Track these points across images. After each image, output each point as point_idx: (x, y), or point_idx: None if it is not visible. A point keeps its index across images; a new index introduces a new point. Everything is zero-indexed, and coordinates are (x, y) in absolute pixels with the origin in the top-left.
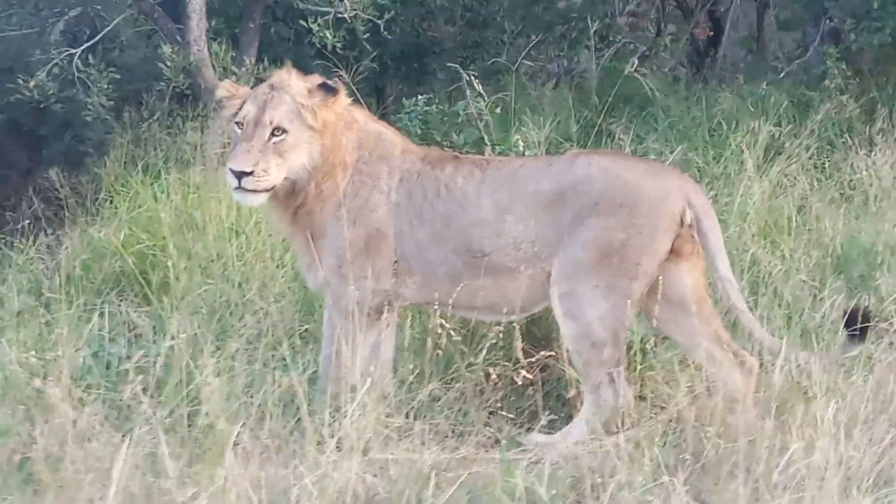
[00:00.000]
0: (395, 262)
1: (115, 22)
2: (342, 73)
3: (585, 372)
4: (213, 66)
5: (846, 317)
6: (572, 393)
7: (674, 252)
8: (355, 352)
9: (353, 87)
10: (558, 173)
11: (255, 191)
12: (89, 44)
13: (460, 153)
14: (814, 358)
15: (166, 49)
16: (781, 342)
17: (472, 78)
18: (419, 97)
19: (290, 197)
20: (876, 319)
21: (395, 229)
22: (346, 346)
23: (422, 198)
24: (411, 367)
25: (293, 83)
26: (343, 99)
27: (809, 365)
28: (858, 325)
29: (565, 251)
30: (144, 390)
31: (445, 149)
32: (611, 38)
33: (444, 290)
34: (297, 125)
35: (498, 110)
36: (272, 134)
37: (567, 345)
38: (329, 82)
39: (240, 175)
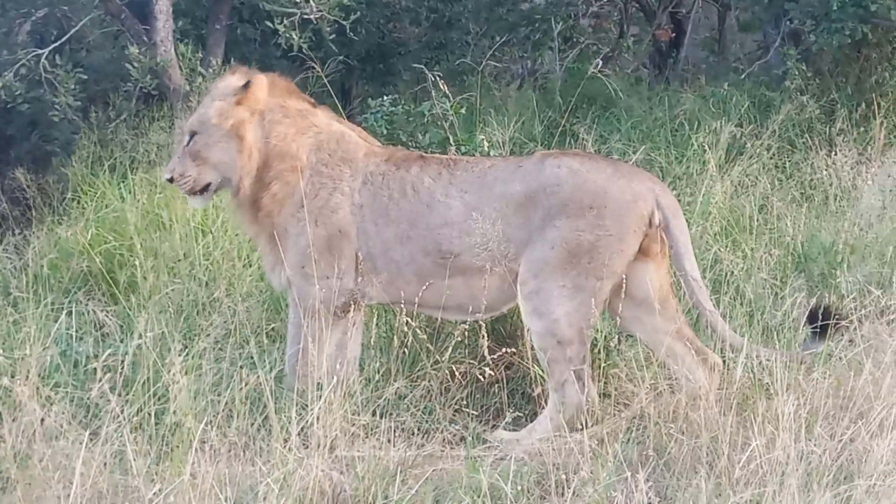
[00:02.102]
0: (361, 261)
1: (82, 23)
2: (317, 68)
3: (551, 369)
4: (179, 66)
5: (808, 314)
6: (538, 391)
7: (641, 252)
8: (321, 350)
9: (327, 85)
10: (528, 175)
11: (189, 193)
12: (56, 44)
13: (426, 153)
14: (776, 355)
15: (133, 50)
16: (745, 340)
17: (438, 78)
18: (385, 97)
19: (235, 197)
20: (837, 317)
21: (359, 230)
22: (311, 345)
23: (387, 198)
24: (377, 365)
25: (220, 84)
26: (255, 93)
27: (771, 362)
28: (820, 323)
29: (533, 250)
30: (112, 389)
31: (411, 149)
32: (574, 40)
33: (411, 289)
34: (207, 126)
35: (463, 111)
36: (190, 139)
37: (534, 342)
38: (250, 79)
39: (169, 181)
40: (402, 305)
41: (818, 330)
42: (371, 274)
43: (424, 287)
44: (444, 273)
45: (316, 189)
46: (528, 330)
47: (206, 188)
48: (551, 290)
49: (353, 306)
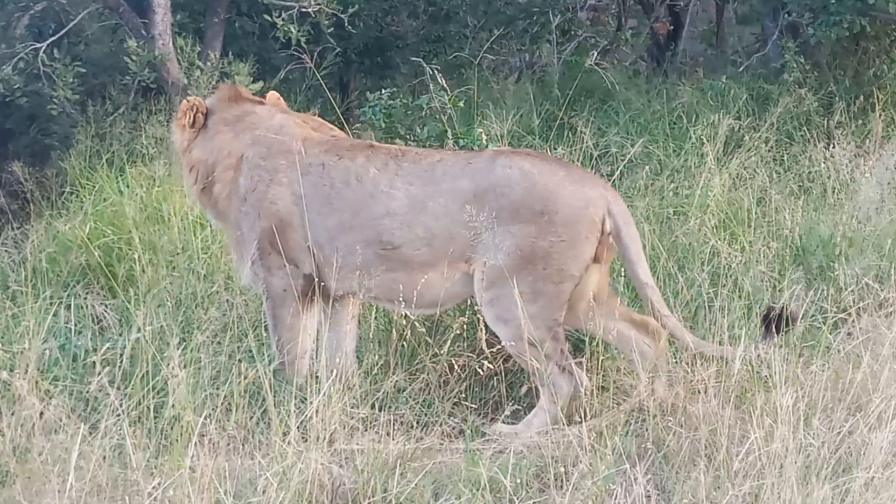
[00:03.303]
0: (313, 251)
1: (80, 16)
2: (307, 62)
3: (533, 368)
4: (178, 60)
5: (770, 317)
6: (524, 389)
7: (594, 258)
8: (295, 336)
9: (319, 79)
10: (478, 172)
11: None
12: (55, 38)
13: (376, 142)
14: (729, 351)
15: (131, 43)
16: (707, 342)
17: (435, 72)
18: (383, 91)
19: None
20: (789, 319)
21: (303, 219)
22: (285, 333)
23: (329, 187)
24: (376, 358)
25: None
26: (185, 116)
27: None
28: (784, 323)
29: (488, 258)
30: (111, 382)
31: (407, 140)
32: (572, 33)
33: (357, 279)
34: (174, 150)
35: (461, 104)
36: None
37: (506, 346)
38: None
39: None
40: (359, 296)
41: (773, 329)
42: (326, 264)
43: (372, 279)
44: (388, 265)
45: (255, 182)
46: (498, 335)
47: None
48: (511, 297)
49: (318, 293)
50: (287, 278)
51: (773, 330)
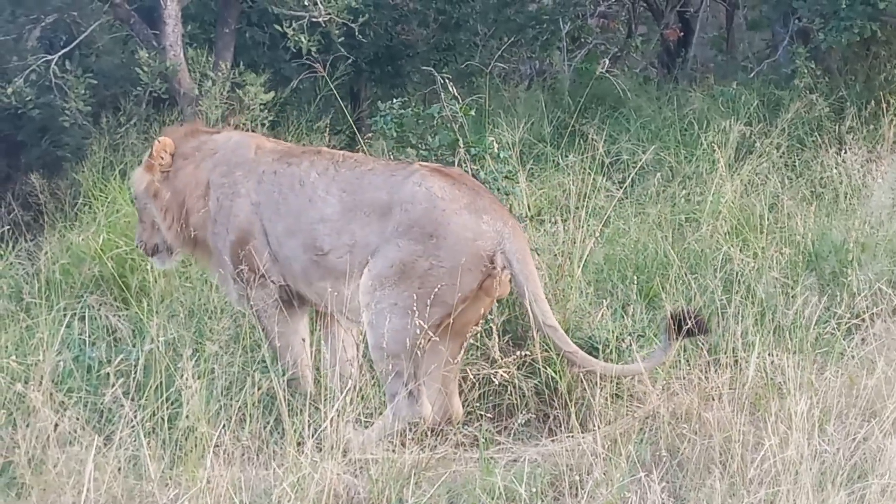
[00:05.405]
0: (273, 259)
1: (91, 28)
2: (320, 71)
3: (383, 380)
4: (189, 71)
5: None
6: (548, 392)
7: (484, 291)
8: (287, 344)
9: (332, 89)
10: (394, 185)
11: (149, 256)
12: (66, 50)
13: (325, 148)
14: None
15: (143, 54)
16: (618, 366)
17: (446, 80)
18: (394, 100)
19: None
20: (699, 323)
21: (260, 227)
22: (277, 343)
23: (278, 194)
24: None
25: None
26: (158, 155)
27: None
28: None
29: (376, 264)
30: (125, 393)
31: (416, 153)
32: (582, 40)
33: (301, 287)
34: (136, 193)
35: (472, 112)
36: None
37: (369, 353)
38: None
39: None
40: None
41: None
42: (285, 271)
43: (311, 286)
44: (319, 273)
45: (220, 201)
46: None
47: (156, 249)
48: (384, 306)
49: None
50: (261, 289)
51: (682, 334)
